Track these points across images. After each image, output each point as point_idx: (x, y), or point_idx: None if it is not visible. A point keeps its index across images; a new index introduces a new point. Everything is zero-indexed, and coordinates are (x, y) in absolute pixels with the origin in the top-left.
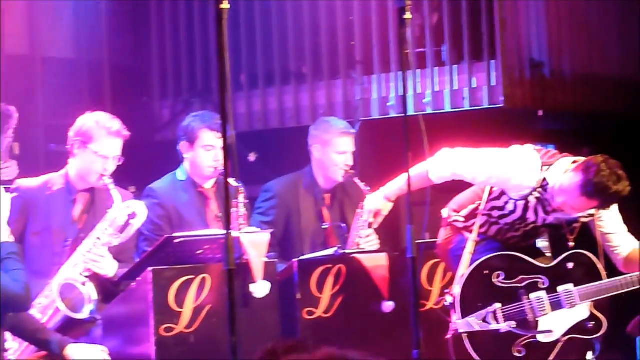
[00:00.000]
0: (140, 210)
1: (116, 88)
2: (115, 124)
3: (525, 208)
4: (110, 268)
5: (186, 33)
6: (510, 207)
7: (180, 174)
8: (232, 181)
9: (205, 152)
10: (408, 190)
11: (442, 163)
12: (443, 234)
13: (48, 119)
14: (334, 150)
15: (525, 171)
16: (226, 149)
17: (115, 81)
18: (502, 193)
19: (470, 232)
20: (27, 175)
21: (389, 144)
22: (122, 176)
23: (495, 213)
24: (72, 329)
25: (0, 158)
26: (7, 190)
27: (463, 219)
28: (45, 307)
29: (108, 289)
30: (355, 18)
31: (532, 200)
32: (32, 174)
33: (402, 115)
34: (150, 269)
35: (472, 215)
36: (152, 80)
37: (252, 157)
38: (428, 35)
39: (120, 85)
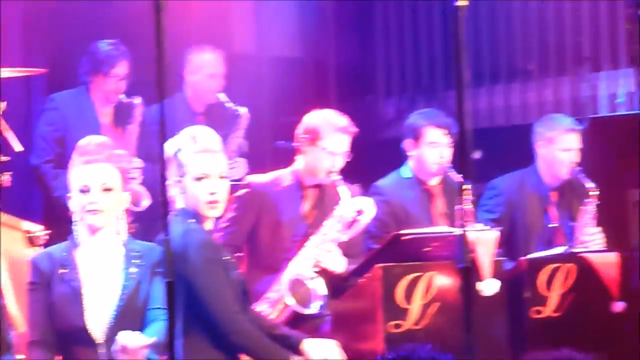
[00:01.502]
0: (367, 207)
1: (341, 86)
2: (343, 120)
3: None
4: (338, 264)
5: (411, 30)
6: None
7: (405, 171)
8: (458, 178)
9: (430, 149)
10: None
11: None
12: None
13: (275, 117)
14: (559, 148)
15: None
16: (462, 146)
17: (340, 79)
18: None
19: None
20: (254, 172)
21: (618, 141)
22: (346, 173)
23: None
24: (301, 324)
25: (230, 157)
26: (238, 187)
27: None
28: (275, 302)
29: (336, 284)
30: (584, 14)
31: None
32: (259, 171)
33: (637, 112)
34: (379, 265)
35: None
36: (377, 78)
37: (477, 155)
38: None
39: (345, 84)
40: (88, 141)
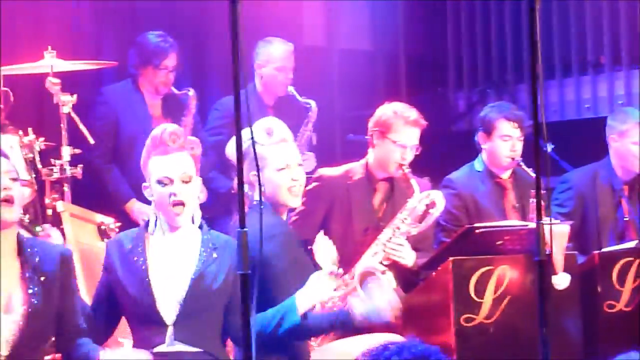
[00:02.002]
0: (439, 200)
1: (411, 79)
2: (413, 113)
3: None
4: (409, 257)
5: (481, 23)
6: None
7: (477, 164)
8: (529, 171)
9: (502, 143)
10: None
11: None
12: None
13: (345, 110)
14: (632, 141)
15: None
16: (535, 139)
17: (410, 72)
18: None
19: None
20: (325, 165)
21: None
22: (417, 166)
23: None
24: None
25: (300, 150)
26: (309, 180)
27: None
28: (346, 295)
29: (407, 278)
30: None
31: None
32: (330, 164)
33: None
34: (450, 258)
35: None
36: (447, 71)
37: (549, 148)
38: None
39: (415, 76)
40: (162, 129)
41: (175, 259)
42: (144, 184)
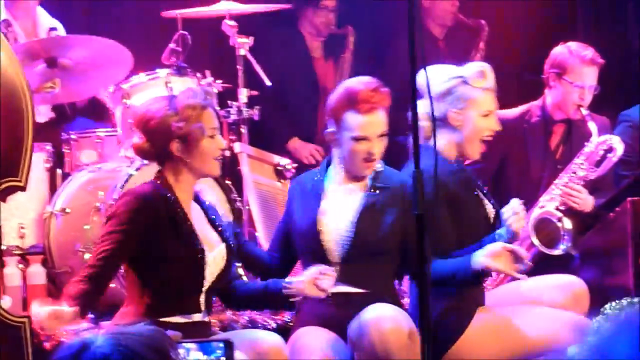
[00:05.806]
0: (617, 145)
1: (587, 17)
2: (589, 52)
3: None
4: (586, 203)
5: None
6: None
7: None
8: None
9: None
10: None
11: None
12: None
13: (519, 50)
14: None
15: None
16: None
17: (586, 10)
18: None
19: None
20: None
21: None
22: (597, 107)
23: None
24: (549, 262)
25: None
26: None
27: None
28: (521, 240)
29: (584, 222)
30: None
31: None
32: (505, 105)
33: None
34: (629, 199)
35: None
36: (626, 8)
37: None
38: None
39: (591, 14)
40: (364, 85)
41: (346, 203)
42: (327, 130)
